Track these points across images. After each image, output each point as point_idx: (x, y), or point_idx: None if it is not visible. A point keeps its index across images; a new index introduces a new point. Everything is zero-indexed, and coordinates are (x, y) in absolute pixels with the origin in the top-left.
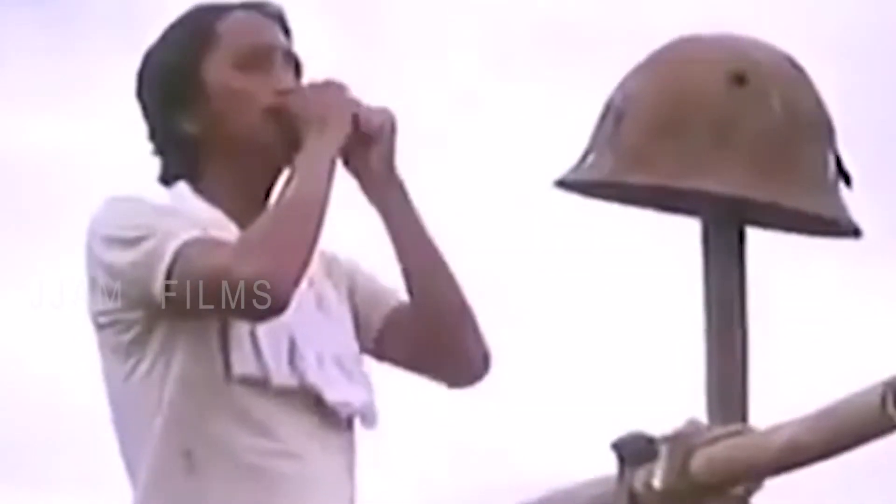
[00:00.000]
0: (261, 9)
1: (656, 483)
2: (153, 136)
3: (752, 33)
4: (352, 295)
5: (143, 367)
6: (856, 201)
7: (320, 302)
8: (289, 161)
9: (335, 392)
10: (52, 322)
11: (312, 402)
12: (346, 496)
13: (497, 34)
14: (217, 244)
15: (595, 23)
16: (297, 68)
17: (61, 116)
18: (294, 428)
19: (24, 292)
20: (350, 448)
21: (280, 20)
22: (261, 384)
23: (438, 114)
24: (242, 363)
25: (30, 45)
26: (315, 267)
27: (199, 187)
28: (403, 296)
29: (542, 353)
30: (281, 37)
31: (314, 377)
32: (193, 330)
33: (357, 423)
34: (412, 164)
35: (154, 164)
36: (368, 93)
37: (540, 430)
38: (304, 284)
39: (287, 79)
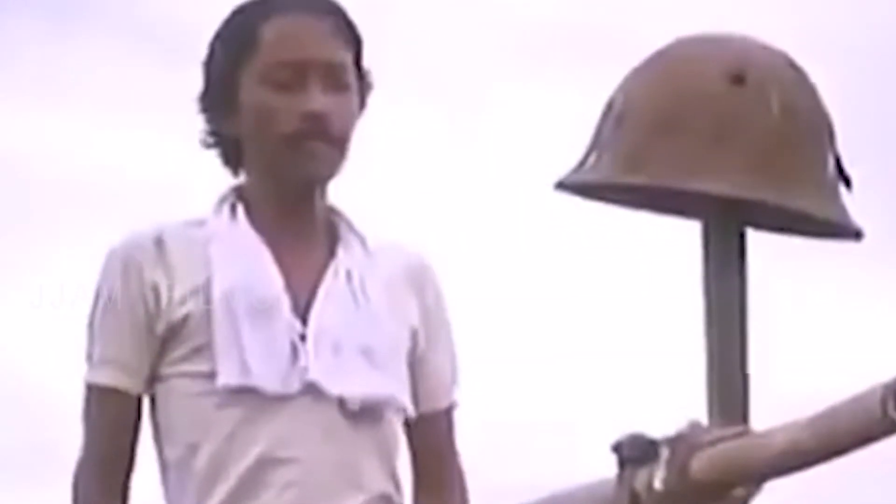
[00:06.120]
0: (313, 9)
1: (657, 484)
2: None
3: (751, 33)
4: (415, 335)
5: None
6: (856, 203)
7: (357, 295)
8: (311, 188)
9: (342, 384)
10: (52, 322)
11: (317, 398)
12: (362, 487)
13: (498, 35)
14: (97, 408)
15: (595, 23)
16: (363, 78)
17: (63, 115)
18: (288, 430)
19: (25, 292)
20: (374, 437)
21: (337, 19)
22: (249, 392)
23: (439, 114)
24: (225, 372)
25: (32, 44)
26: (358, 259)
27: (243, 188)
28: (450, 395)
29: (542, 354)
30: (328, 46)
31: (319, 372)
32: (182, 349)
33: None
34: (413, 164)
35: (153, 165)
36: (370, 94)
37: (539, 431)
38: (342, 276)
39: (319, 98)
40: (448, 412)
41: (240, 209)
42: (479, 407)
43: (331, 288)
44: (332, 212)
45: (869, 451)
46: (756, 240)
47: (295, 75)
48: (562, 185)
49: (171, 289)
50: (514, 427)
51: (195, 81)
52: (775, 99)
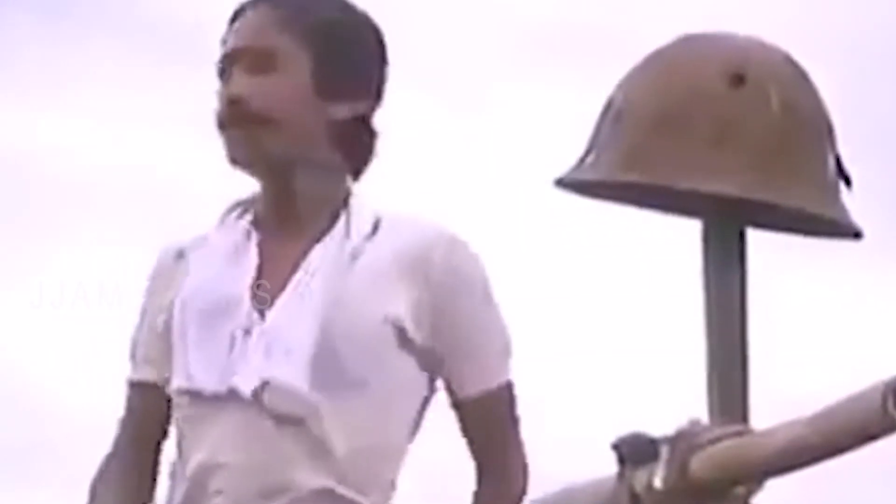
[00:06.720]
0: (255, 3)
1: (657, 483)
2: None
3: (751, 33)
4: (398, 322)
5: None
6: (856, 203)
7: (304, 294)
8: (272, 173)
9: (253, 383)
10: (52, 322)
11: (244, 402)
12: (288, 488)
13: (498, 34)
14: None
15: (595, 23)
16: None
17: (63, 115)
18: (222, 434)
19: (25, 292)
20: (305, 436)
21: (272, 7)
22: (194, 396)
23: (439, 113)
24: (177, 376)
25: (32, 44)
26: (335, 253)
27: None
28: (496, 377)
29: (542, 353)
30: (252, 33)
31: (240, 375)
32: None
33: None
34: (414, 163)
35: (153, 165)
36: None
37: (539, 430)
38: (308, 274)
39: (236, 83)
40: (488, 398)
41: (251, 212)
42: None
43: (294, 288)
44: (348, 201)
45: (870, 449)
46: (756, 239)
47: (225, 66)
48: (561, 183)
49: (164, 298)
50: None
51: (195, 81)
52: (775, 98)
